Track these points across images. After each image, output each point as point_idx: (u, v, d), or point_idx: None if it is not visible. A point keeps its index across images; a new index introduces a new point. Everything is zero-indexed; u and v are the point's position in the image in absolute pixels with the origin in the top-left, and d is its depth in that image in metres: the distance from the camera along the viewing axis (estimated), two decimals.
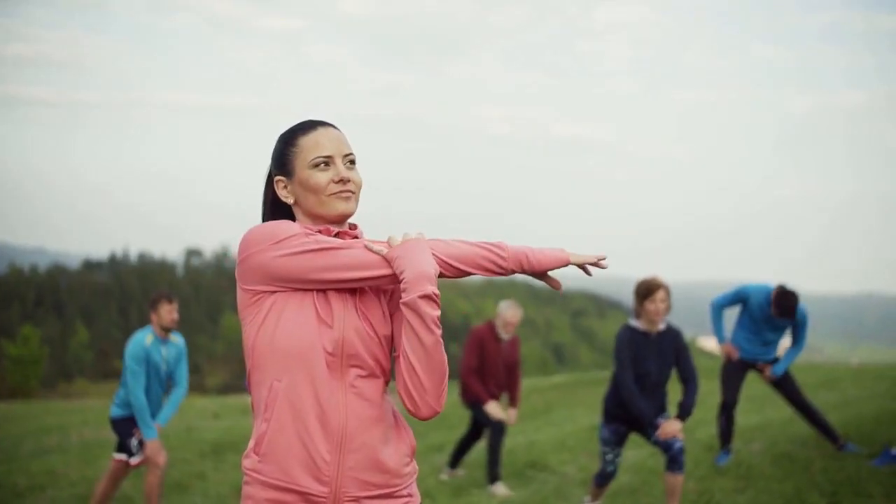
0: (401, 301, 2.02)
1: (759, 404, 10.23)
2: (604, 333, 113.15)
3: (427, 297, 1.99)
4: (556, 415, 11.31)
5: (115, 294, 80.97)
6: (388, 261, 2.05)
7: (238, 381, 51.33)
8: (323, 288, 2.06)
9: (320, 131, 2.16)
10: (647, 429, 5.33)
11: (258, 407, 2.10)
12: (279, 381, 2.05)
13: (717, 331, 7.05)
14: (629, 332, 5.40)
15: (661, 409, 5.41)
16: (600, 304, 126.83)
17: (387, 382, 2.16)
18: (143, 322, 7.36)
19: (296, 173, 2.15)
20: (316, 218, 2.16)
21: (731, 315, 7.10)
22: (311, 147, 2.14)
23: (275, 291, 2.06)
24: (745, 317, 6.89)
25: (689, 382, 5.41)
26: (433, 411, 2.07)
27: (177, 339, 6.18)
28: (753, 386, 13.61)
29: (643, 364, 5.34)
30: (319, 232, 2.13)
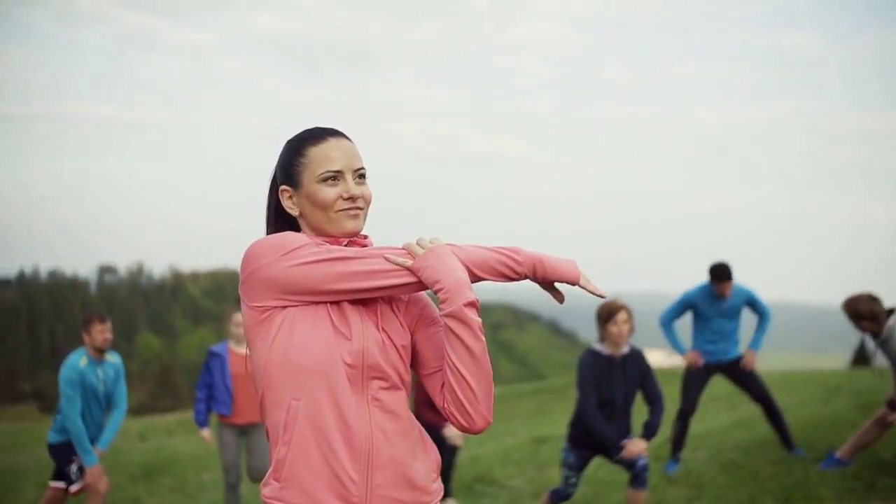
0: (442, 313, 1.92)
1: (699, 412, 10.34)
2: (523, 346, 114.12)
3: (471, 304, 1.91)
4: (495, 428, 11.26)
5: (23, 313, 78.27)
6: (414, 271, 1.94)
7: (155, 402, 50.03)
8: (338, 299, 1.95)
9: (331, 143, 2.04)
10: (610, 451, 5.29)
11: (275, 430, 1.96)
12: (297, 401, 1.92)
13: (674, 343, 7.13)
14: (592, 356, 5.34)
15: (625, 433, 5.38)
16: (519, 317, 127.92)
17: (408, 394, 2.05)
18: (54, 342, 7.07)
19: (303, 186, 2.03)
20: (322, 233, 2.05)
21: (685, 328, 7.20)
22: (320, 160, 2.02)
23: (286, 306, 1.93)
24: (698, 320, 7.02)
25: (655, 404, 5.40)
26: (487, 422, 1.98)
27: (113, 358, 5.94)
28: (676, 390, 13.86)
29: (609, 390, 5.27)
30: (328, 242, 2.02)
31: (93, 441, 5.77)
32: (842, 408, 9.34)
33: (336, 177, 2.01)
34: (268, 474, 1.97)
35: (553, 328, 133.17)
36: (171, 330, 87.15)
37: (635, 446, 5.21)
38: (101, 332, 5.75)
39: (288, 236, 1.96)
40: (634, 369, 5.37)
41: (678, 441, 7.03)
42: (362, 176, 2.05)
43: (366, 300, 1.99)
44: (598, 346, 5.36)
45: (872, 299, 5.75)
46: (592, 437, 5.30)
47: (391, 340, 1.99)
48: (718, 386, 10.38)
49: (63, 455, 5.76)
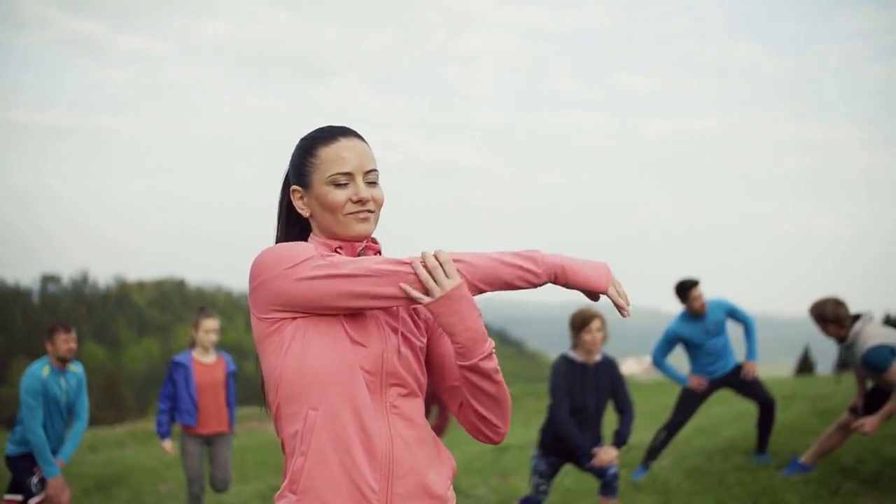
0: (459, 364, 1.90)
1: (656, 420, 10.43)
2: None
3: (487, 357, 1.89)
4: (456, 437, 11.23)
5: None
6: (430, 313, 1.89)
7: (101, 413, 49.00)
8: (344, 313, 1.89)
9: (343, 143, 1.98)
10: (581, 458, 5.29)
11: (291, 441, 1.90)
12: (315, 410, 1.86)
13: (674, 377, 7.24)
14: (565, 363, 5.34)
15: (596, 440, 5.39)
16: None
17: (423, 399, 2.01)
18: None
19: (313, 187, 1.98)
20: (332, 235, 2.00)
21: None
22: (331, 161, 1.97)
23: (295, 318, 1.88)
24: (690, 348, 7.11)
25: (626, 412, 5.43)
26: (504, 435, 2.01)
27: (76, 368, 5.80)
28: (650, 402, 13.98)
29: (581, 397, 5.28)
30: (340, 249, 1.98)
31: (54, 452, 5.63)
32: (799, 414, 9.47)
33: (346, 179, 1.96)
34: (283, 487, 1.90)
35: (501, 337, 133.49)
36: (116, 340, 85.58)
37: (606, 454, 5.23)
38: (66, 342, 5.62)
39: (295, 247, 1.91)
40: (607, 377, 5.39)
41: (656, 451, 7.08)
42: (374, 178, 2.00)
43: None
44: (572, 354, 5.37)
45: (838, 304, 5.82)
46: (564, 443, 5.30)
47: (409, 345, 1.96)
48: (668, 397, 10.48)
49: (22, 467, 5.60)
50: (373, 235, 2.05)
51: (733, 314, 7.11)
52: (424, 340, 2.02)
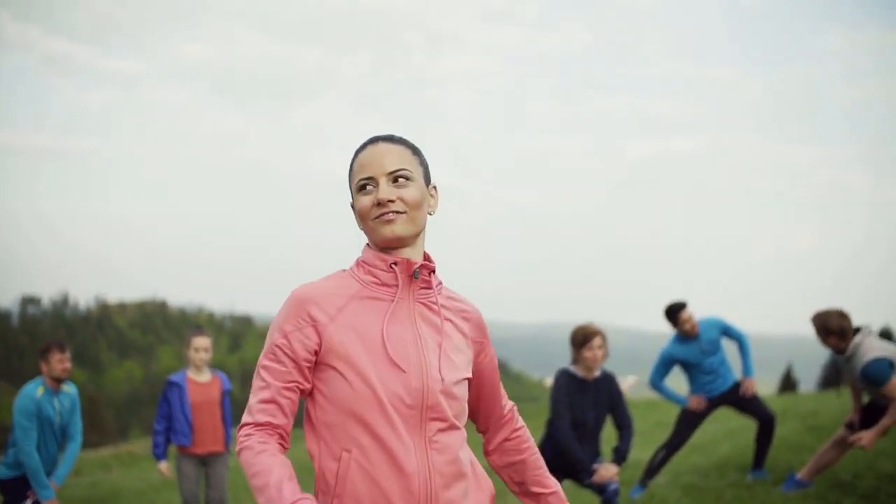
0: None
1: (648, 438, 10.44)
2: None
3: None
4: None
5: None
6: None
7: (83, 436, 48.41)
8: None
9: (367, 150, 1.97)
10: (581, 474, 5.28)
11: (323, 481, 1.87)
12: (349, 452, 1.84)
13: (673, 398, 7.22)
14: (567, 377, 5.34)
15: (596, 455, 5.39)
16: None
17: (464, 428, 1.97)
18: None
19: (352, 197, 1.99)
20: (374, 244, 1.97)
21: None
22: (357, 169, 1.97)
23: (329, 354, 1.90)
24: (688, 369, 7.09)
25: (625, 429, 5.43)
26: None
27: (69, 389, 5.74)
28: (641, 420, 13.96)
29: (581, 412, 5.28)
30: (395, 266, 1.93)
31: (48, 474, 5.56)
32: (791, 430, 9.47)
33: (369, 183, 1.93)
34: None
35: None
36: (97, 362, 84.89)
37: (607, 471, 5.22)
38: (61, 362, 5.56)
39: (284, 307, 1.93)
40: (606, 393, 5.39)
41: (654, 470, 7.07)
42: (401, 177, 1.92)
43: (427, 326, 1.93)
44: (573, 368, 5.37)
45: (842, 316, 5.81)
46: (563, 460, 5.29)
47: (453, 375, 1.92)
48: (669, 413, 10.50)
49: (16, 490, 5.52)
50: (425, 250, 2.02)
51: (727, 332, 7.12)
52: (471, 368, 2.00)
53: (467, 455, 1.97)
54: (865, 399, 6.20)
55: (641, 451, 9.33)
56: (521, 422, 2.19)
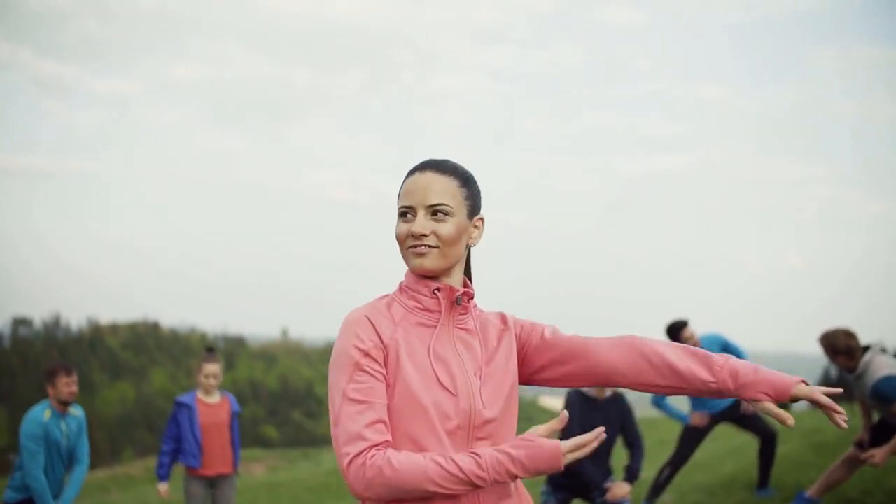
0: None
1: (650, 456, 10.41)
2: None
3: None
4: None
5: None
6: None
7: None
8: None
9: (415, 177, 1.97)
10: (594, 493, 5.28)
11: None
12: None
13: (675, 415, 7.23)
14: (578, 396, 5.36)
15: (608, 474, 5.39)
16: None
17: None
18: None
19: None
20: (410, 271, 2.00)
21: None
22: (402, 195, 1.98)
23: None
24: None
25: (636, 448, 5.44)
26: None
27: (76, 411, 5.71)
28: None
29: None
30: (438, 291, 1.95)
31: (55, 497, 5.52)
32: (794, 448, 9.49)
33: (409, 212, 1.94)
34: None
35: None
36: (90, 384, 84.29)
37: (620, 489, 5.22)
38: (68, 385, 5.54)
39: (343, 333, 1.90)
40: (617, 413, 5.40)
41: (660, 488, 7.06)
42: (440, 212, 1.92)
43: (466, 349, 1.94)
44: (584, 388, 5.37)
45: (849, 335, 5.83)
46: (574, 478, 5.28)
47: (499, 390, 1.92)
48: (670, 431, 10.50)
49: None
50: (465, 276, 2.06)
51: (727, 348, 7.14)
52: (516, 375, 1.99)
53: None
54: (875, 417, 6.21)
55: (645, 470, 9.31)
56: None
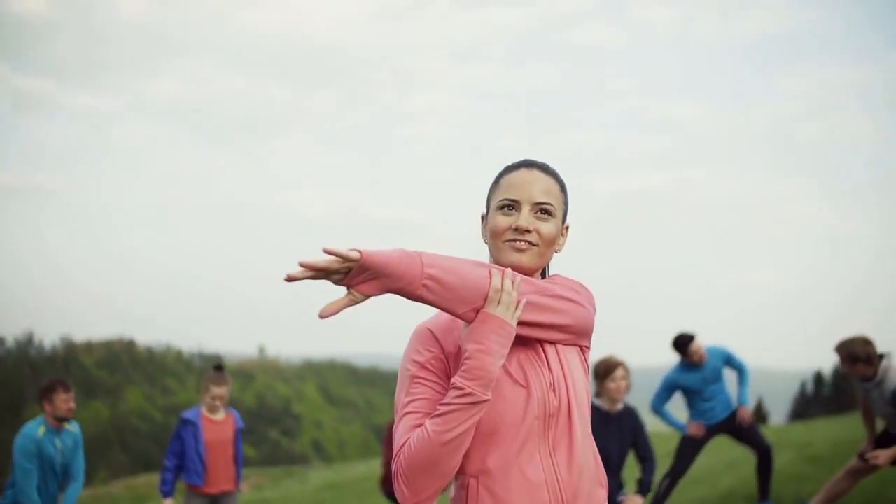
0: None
1: (658, 471, 10.41)
2: None
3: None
4: None
5: None
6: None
7: None
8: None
9: (521, 172, 1.95)
10: None
11: (457, 500, 1.84)
12: (475, 479, 1.81)
13: (673, 424, 7.25)
14: (591, 409, 5.34)
15: (620, 487, 5.37)
16: None
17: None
18: None
19: (489, 212, 1.97)
20: (496, 262, 1.93)
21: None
22: (504, 187, 1.94)
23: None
24: (688, 395, 7.11)
25: (647, 461, 5.42)
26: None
27: (73, 427, 5.62)
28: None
29: (604, 445, 5.27)
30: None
31: None
32: (788, 461, 9.52)
33: (512, 205, 1.91)
34: None
35: None
36: None
37: (632, 502, 5.20)
38: (66, 402, 5.47)
39: (412, 344, 1.90)
40: (629, 426, 5.39)
41: (661, 499, 7.05)
42: (545, 211, 1.91)
43: (541, 342, 1.90)
44: (597, 402, 5.36)
45: (867, 342, 5.83)
46: None
47: (567, 380, 1.89)
48: (668, 443, 10.47)
49: None
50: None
51: (729, 361, 7.19)
52: (578, 362, 1.95)
53: (591, 453, 1.94)
54: (879, 427, 6.23)
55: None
56: None
